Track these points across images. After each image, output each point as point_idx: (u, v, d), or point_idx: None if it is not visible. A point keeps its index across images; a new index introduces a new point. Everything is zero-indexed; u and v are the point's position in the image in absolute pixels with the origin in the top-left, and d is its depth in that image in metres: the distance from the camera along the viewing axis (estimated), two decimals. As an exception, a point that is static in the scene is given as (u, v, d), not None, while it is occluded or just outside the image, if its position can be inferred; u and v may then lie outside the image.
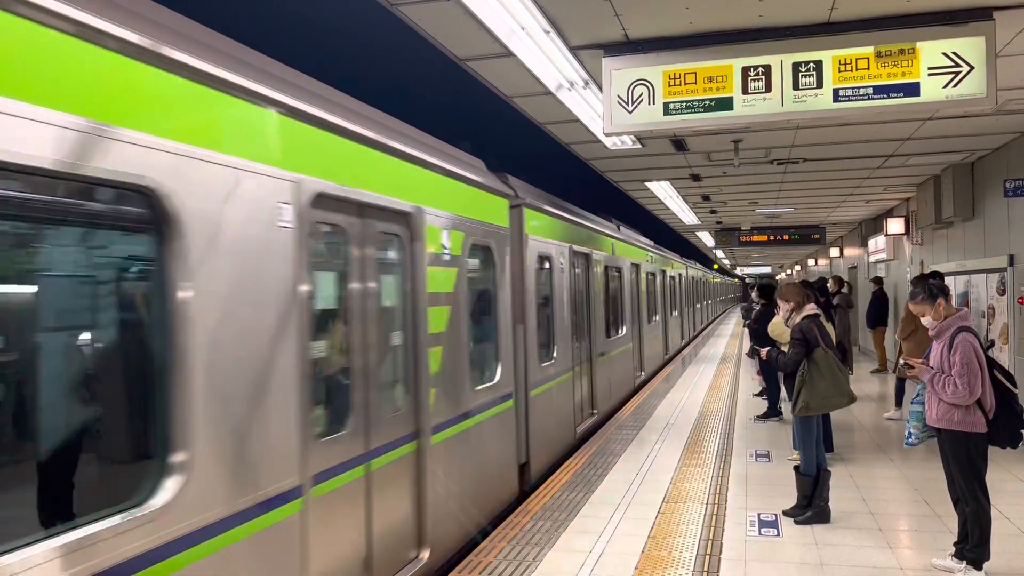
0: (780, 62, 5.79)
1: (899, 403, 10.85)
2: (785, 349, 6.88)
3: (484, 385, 6.83)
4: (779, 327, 7.03)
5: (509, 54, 6.22)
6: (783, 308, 6.82)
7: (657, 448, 9.37)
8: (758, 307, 11.67)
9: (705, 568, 5.46)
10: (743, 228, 22.02)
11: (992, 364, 5.14)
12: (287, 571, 3.84)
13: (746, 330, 17.34)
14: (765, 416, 11.13)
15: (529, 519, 6.64)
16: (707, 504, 6.97)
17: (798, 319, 6.65)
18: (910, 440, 5.48)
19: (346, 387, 4.65)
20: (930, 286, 5.34)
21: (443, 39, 6.04)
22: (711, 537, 6.10)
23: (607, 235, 13.00)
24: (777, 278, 50.90)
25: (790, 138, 9.84)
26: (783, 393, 10.86)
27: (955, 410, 5.04)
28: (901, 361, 5.79)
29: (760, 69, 5.82)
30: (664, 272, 20.51)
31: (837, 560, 5.58)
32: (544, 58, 6.37)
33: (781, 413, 11.06)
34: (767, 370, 11.01)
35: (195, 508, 3.21)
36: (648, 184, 13.68)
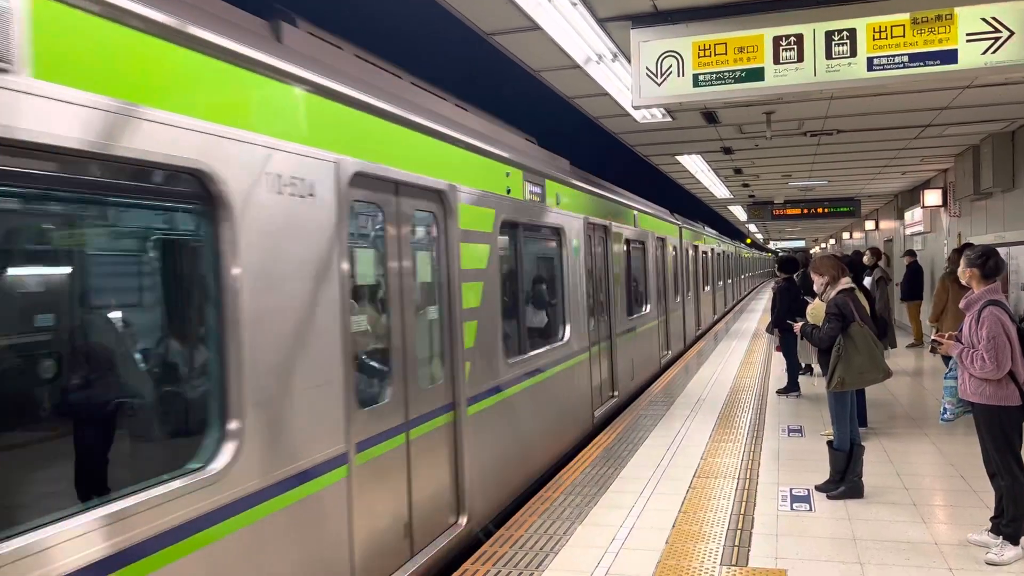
0: (812, 31, 5.68)
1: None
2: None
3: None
4: (819, 309, 6.88)
5: (536, 27, 6.17)
6: (817, 282, 6.72)
7: (688, 423, 9.34)
8: (780, 282, 11.45)
9: (737, 542, 5.45)
10: (776, 202, 21.77)
11: None
12: None
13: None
14: (786, 391, 11.04)
15: (560, 493, 6.67)
16: (739, 479, 6.94)
17: (833, 293, 6.55)
18: (945, 416, 5.40)
19: None
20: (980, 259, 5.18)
21: (469, 13, 6.00)
22: (743, 512, 6.08)
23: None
24: (811, 252, 50.25)
25: (823, 109, 9.67)
26: (817, 368, 10.77)
27: (987, 384, 4.96)
28: (932, 337, 5.67)
29: (792, 38, 5.72)
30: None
31: (870, 535, 5.54)
32: (572, 31, 6.31)
33: (799, 388, 10.99)
34: (787, 345, 10.90)
35: None
36: (679, 158, 13.55)
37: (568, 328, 8.46)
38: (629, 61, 6.31)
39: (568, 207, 8.66)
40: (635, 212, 12.41)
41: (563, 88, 8.31)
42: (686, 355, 16.14)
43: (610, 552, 5.35)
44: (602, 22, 6.27)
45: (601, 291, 10.11)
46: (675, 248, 16.53)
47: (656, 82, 5.96)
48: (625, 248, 11.56)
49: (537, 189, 7.62)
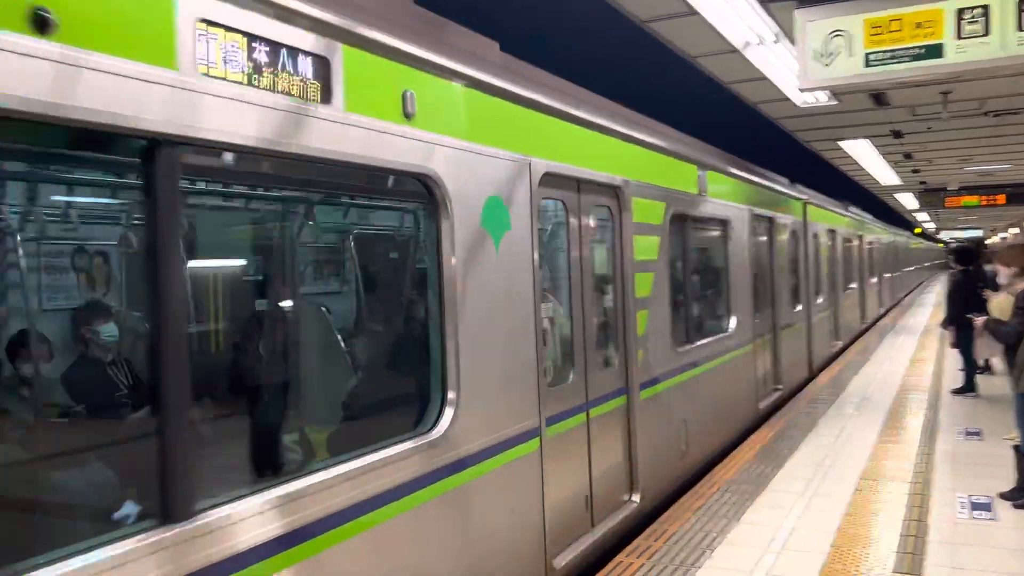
0: (1000, 0, 5.23)
1: None
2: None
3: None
4: (1005, 303, 6.33)
5: (693, 12, 6.03)
6: (1004, 273, 6.21)
7: (852, 423, 8.89)
8: (956, 274, 10.71)
9: (910, 549, 5.13)
10: (949, 188, 20.35)
11: None
12: None
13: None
14: (962, 391, 10.28)
15: (715, 491, 6.52)
16: (910, 483, 6.53)
17: (1021, 286, 6.04)
18: None
19: None
20: None
21: (625, 1, 5.93)
22: (916, 518, 5.72)
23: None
24: (988, 243, 46.71)
25: (1009, 86, 8.93)
26: (997, 367, 9.99)
27: None
28: None
29: (977, 10, 5.30)
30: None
31: (1064, 550, 5.08)
32: (732, 13, 6.14)
33: (976, 388, 10.18)
34: (963, 342, 10.14)
35: None
36: (841, 143, 12.93)
37: (464, 402, 3.90)
38: (793, 43, 6.05)
39: (463, 132, 4.02)
40: (699, 171, 7.66)
41: (720, 73, 8.10)
42: (812, 385, 11.84)
43: (770, 552, 5.17)
44: (764, 3, 6.05)
45: (591, 313, 5.51)
46: (795, 234, 12.01)
47: (823, 63, 5.67)
48: (671, 230, 6.88)
49: (306, 64, 3.05)
